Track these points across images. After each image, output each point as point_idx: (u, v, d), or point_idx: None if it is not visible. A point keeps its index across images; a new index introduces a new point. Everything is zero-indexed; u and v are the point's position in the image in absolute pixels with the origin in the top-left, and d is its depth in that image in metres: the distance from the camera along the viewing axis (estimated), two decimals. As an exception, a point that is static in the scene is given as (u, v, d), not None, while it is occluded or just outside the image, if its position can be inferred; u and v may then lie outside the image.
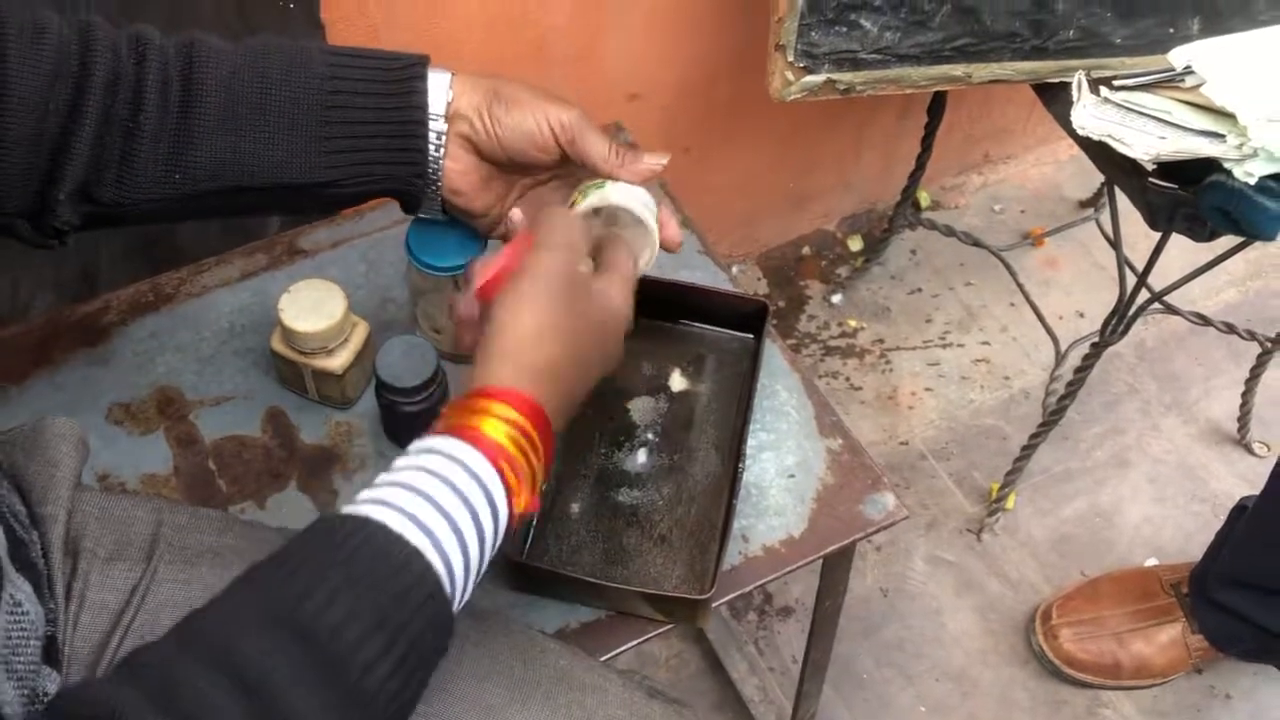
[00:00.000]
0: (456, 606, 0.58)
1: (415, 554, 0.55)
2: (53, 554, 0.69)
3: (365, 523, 0.56)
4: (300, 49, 0.72)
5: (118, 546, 0.71)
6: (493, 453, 0.60)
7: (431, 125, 0.73)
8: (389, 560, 0.55)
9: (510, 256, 0.69)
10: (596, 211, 0.76)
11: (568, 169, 0.78)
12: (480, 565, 0.60)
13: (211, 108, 0.69)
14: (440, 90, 0.72)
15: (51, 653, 0.65)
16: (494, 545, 0.61)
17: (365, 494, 0.58)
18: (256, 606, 0.53)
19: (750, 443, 0.90)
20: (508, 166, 0.76)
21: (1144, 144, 1.03)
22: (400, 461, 0.60)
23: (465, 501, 0.58)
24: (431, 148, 0.73)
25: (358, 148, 0.72)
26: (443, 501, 0.57)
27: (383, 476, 0.59)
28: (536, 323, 0.64)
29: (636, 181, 0.75)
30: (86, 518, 0.71)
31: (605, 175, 0.75)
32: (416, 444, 0.61)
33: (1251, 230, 1.03)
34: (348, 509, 0.57)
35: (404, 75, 0.72)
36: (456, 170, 0.75)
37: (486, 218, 0.78)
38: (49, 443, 0.72)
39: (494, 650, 0.70)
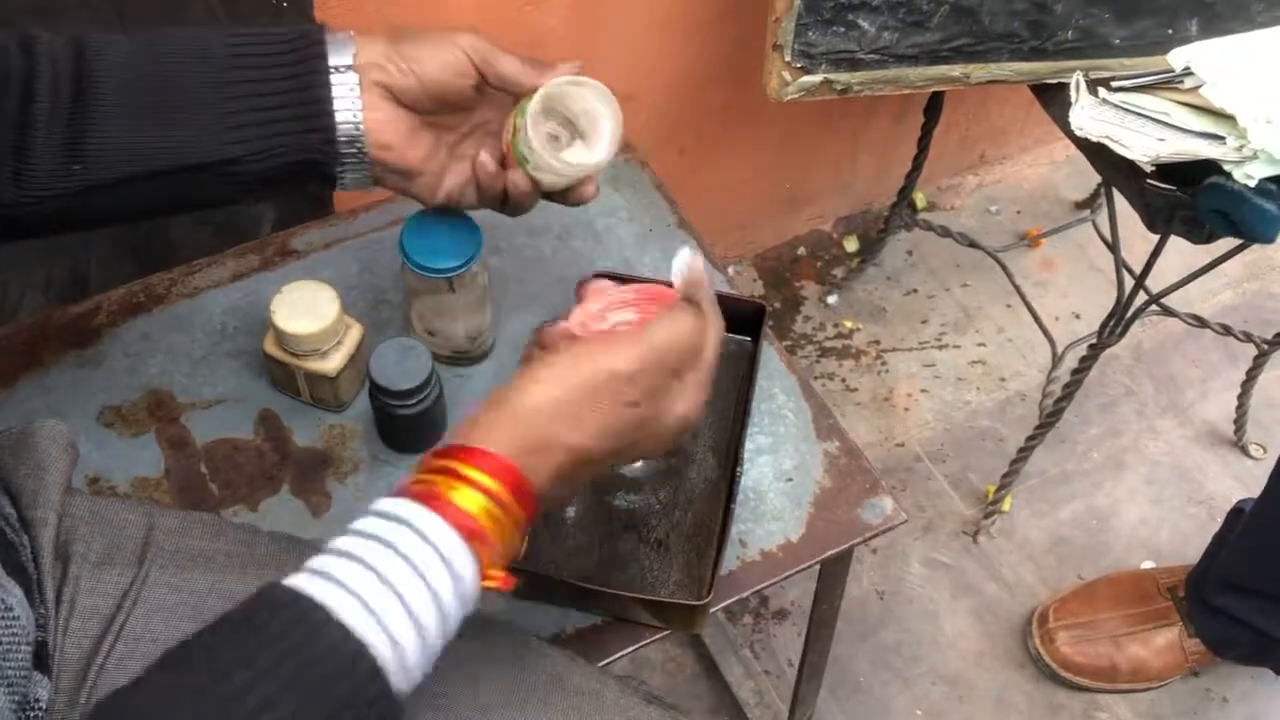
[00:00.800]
0: (410, 687, 0.55)
1: (361, 652, 0.51)
2: (43, 558, 0.68)
3: (312, 610, 0.52)
4: (197, 32, 0.70)
5: (108, 550, 0.70)
6: (465, 527, 0.56)
7: (338, 82, 0.70)
8: (335, 657, 0.51)
9: (641, 304, 0.71)
10: (547, 118, 0.75)
11: (486, 115, 0.77)
12: (441, 644, 0.56)
13: (106, 92, 0.66)
14: (342, 46, 0.70)
15: (42, 658, 0.64)
16: (459, 620, 0.57)
17: (322, 561, 0.54)
18: (188, 707, 0.49)
19: (748, 446, 0.89)
20: (431, 110, 0.74)
21: (1143, 145, 1.03)
22: (364, 525, 0.56)
23: (428, 586, 0.54)
24: (343, 109, 0.70)
25: (261, 120, 0.69)
26: (402, 587, 0.53)
27: (343, 541, 0.55)
28: (572, 406, 0.61)
29: (557, 79, 0.74)
30: (77, 521, 0.71)
31: (528, 87, 0.73)
32: (385, 505, 0.56)
33: (1250, 233, 1.03)
34: (300, 582, 0.53)
35: (304, 42, 0.70)
36: (379, 120, 0.72)
37: (424, 177, 0.75)
38: (38, 446, 0.71)
39: (490, 654, 0.70)
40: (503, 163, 0.76)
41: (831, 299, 1.70)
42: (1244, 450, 1.58)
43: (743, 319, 0.95)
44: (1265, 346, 1.45)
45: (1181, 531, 1.51)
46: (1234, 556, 1.29)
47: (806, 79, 1.12)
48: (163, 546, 0.71)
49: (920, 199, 1.79)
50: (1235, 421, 1.57)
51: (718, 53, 1.38)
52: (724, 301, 0.95)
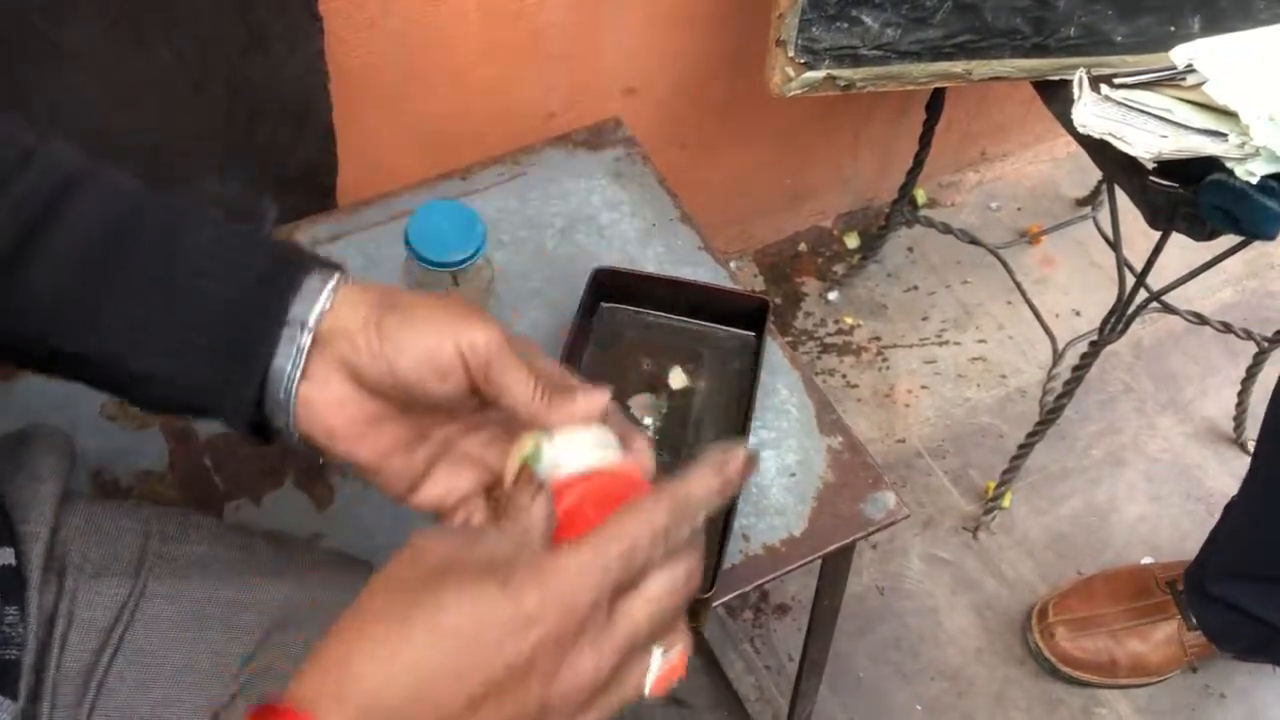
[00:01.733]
0: None
1: None
2: (31, 572, 0.66)
3: None
4: (190, 214, 0.58)
5: (105, 561, 0.68)
6: None
7: (287, 339, 0.55)
8: None
9: (595, 498, 0.52)
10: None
11: (498, 409, 0.57)
12: None
13: (59, 236, 0.55)
14: (312, 295, 0.55)
15: (9, 678, 0.62)
16: None
17: None
18: None
19: (751, 440, 0.90)
20: (406, 403, 0.57)
21: (1145, 142, 1.03)
22: None
23: None
24: (280, 375, 0.55)
25: (192, 352, 0.55)
26: None
27: None
28: (434, 685, 0.44)
29: (573, 425, 0.55)
30: (73, 532, 0.69)
31: (527, 420, 0.55)
32: None
33: (1252, 229, 1.03)
34: None
35: (276, 270, 0.56)
36: (329, 402, 0.56)
37: (384, 476, 0.57)
38: (34, 455, 0.69)
39: None
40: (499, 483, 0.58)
41: (832, 295, 1.70)
42: (1243, 447, 1.58)
43: (746, 314, 0.95)
44: (1265, 344, 1.45)
45: (1180, 528, 1.51)
46: (1233, 542, 1.29)
47: (810, 75, 1.12)
48: (160, 554, 0.70)
49: (921, 195, 1.79)
50: (1235, 419, 1.57)
51: (719, 47, 1.38)
52: (727, 296, 0.96)
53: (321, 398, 0.55)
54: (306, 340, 0.55)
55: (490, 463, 0.59)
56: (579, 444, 0.54)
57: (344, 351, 0.55)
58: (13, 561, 0.65)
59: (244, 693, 0.67)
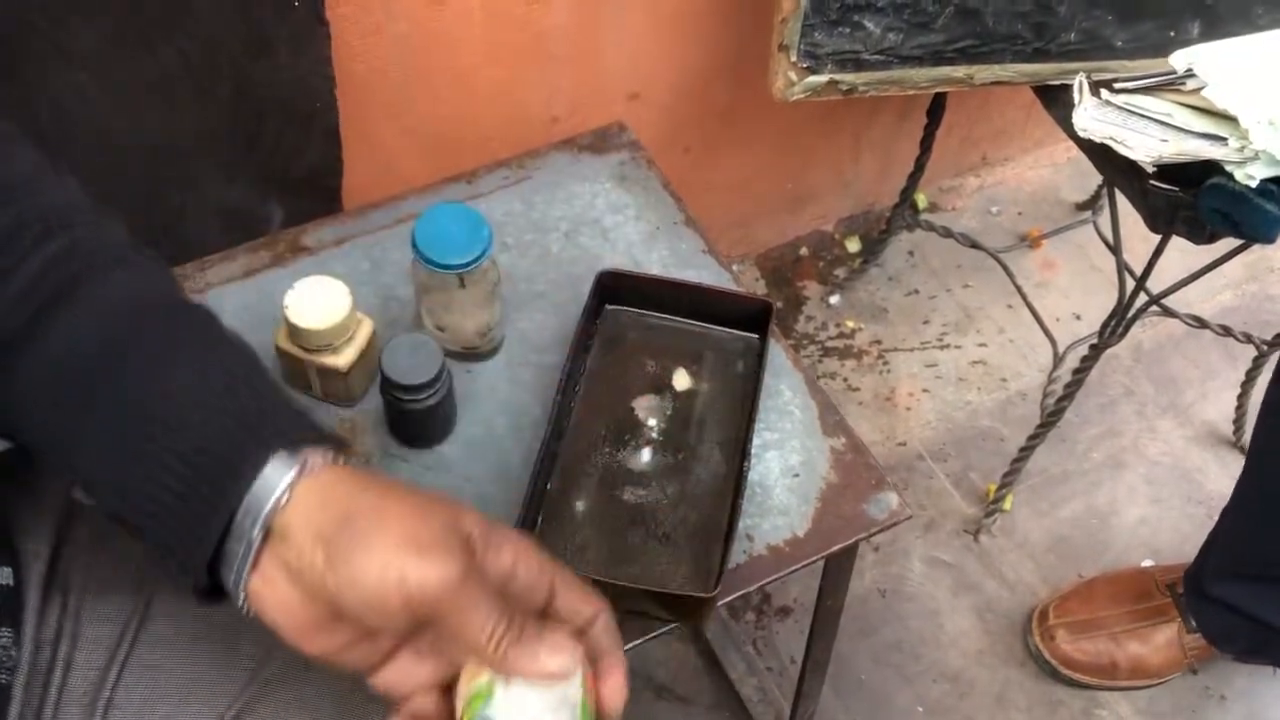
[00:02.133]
0: None
1: None
2: (29, 593, 0.65)
3: None
4: (183, 342, 0.56)
5: (108, 579, 0.67)
6: None
7: (236, 528, 0.52)
8: None
9: None
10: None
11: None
12: None
13: (56, 344, 0.54)
14: (270, 487, 0.51)
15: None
16: None
17: None
18: None
19: (755, 441, 0.90)
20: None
21: (1145, 146, 1.04)
22: None
23: None
24: (229, 562, 0.53)
25: (147, 494, 0.52)
26: None
27: None
28: None
29: (535, 680, 0.51)
30: (77, 549, 0.68)
31: (485, 665, 0.52)
32: None
33: (1251, 233, 1.04)
34: None
35: (244, 441, 0.52)
36: (275, 602, 0.52)
37: (344, 662, 0.54)
38: (36, 471, 0.68)
39: None
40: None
41: (833, 299, 1.71)
42: (1243, 450, 1.58)
43: (749, 316, 0.96)
44: (1265, 348, 1.46)
45: (1181, 531, 1.52)
46: (1226, 543, 1.30)
47: (812, 79, 1.13)
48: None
49: (922, 200, 1.80)
50: (1234, 422, 1.58)
51: (722, 51, 1.39)
52: (731, 298, 0.97)
53: (270, 595, 0.52)
54: (258, 536, 0.51)
55: (454, 658, 0.54)
56: (531, 707, 0.50)
57: (290, 559, 0.51)
58: (10, 581, 0.64)
59: (251, 706, 0.67)
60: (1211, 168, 1.02)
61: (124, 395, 0.53)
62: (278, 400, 0.55)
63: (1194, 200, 1.04)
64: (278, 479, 0.51)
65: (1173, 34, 1.18)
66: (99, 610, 0.67)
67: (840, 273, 1.74)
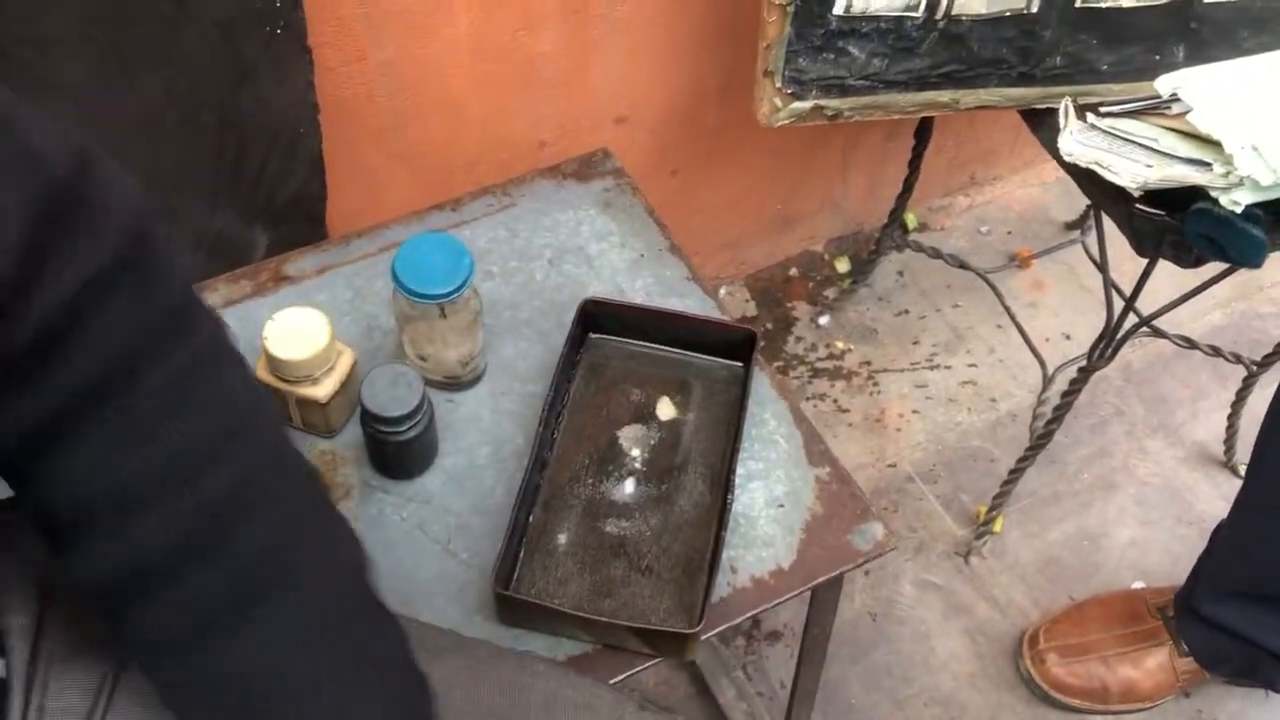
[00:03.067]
0: None
1: None
2: (14, 680, 0.60)
3: None
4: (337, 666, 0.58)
5: (81, 639, 0.63)
6: None
7: None
8: None
9: None
10: None
11: None
12: None
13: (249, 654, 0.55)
14: None
15: None
16: None
17: None
18: None
19: (739, 472, 0.90)
20: None
21: (1131, 171, 1.04)
22: None
23: None
24: None
25: None
26: None
27: None
28: None
29: None
30: (55, 618, 0.63)
31: None
32: None
33: (1237, 258, 1.03)
34: None
35: None
36: None
37: None
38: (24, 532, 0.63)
39: (486, 674, 0.70)
40: None
41: (823, 320, 1.71)
42: (1234, 471, 1.58)
43: (733, 345, 0.96)
44: (1254, 368, 1.46)
45: (1171, 552, 1.51)
46: (1218, 562, 1.30)
47: (797, 105, 1.13)
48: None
49: (911, 220, 1.80)
50: (1225, 442, 1.58)
51: (710, 75, 1.39)
52: (715, 327, 0.96)
53: None
54: None
55: None
56: None
57: None
58: (2, 673, 0.60)
59: None
60: (1197, 192, 1.02)
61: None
62: None
63: (1180, 225, 1.04)
64: None
65: (1158, 58, 1.18)
66: (64, 680, 0.61)
67: (830, 293, 1.74)
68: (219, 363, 0.57)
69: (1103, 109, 1.08)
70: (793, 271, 1.76)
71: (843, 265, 1.77)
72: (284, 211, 1.14)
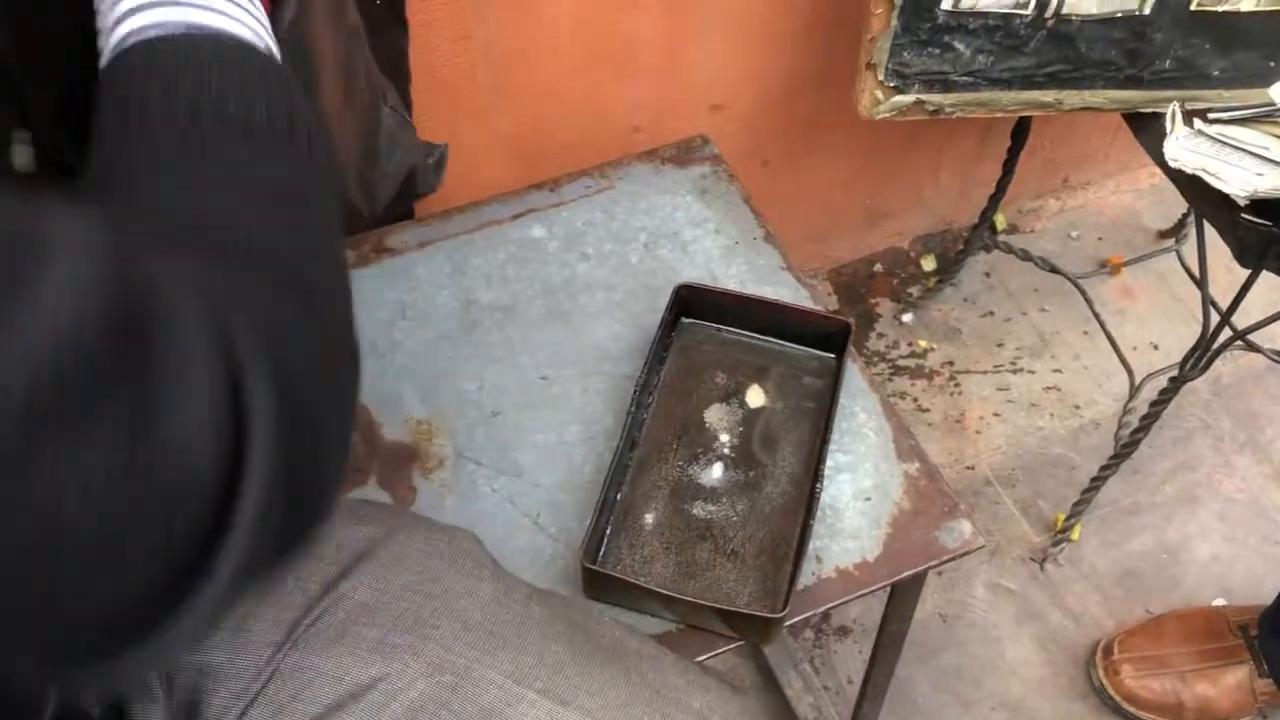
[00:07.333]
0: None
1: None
2: None
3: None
4: None
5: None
6: None
7: None
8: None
9: None
10: None
11: None
12: None
13: None
14: None
15: None
16: None
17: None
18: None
19: (828, 463, 0.90)
20: None
21: (1239, 179, 1.02)
22: None
23: None
24: None
25: None
26: None
27: None
28: None
29: None
30: None
31: None
32: None
33: (1347, 272, 1.01)
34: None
35: None
36: None
37: None
38: None
39: (557, 614, 0.72)
40: None
41: (906, 317, 1.69)
42: (1323, 491, 1.55)
43: (826, 336, 0.96)
44: (1351, 387, 1.42)
45: (1256, 571, 1.48)
46: None
47: (899, 99, 1.12)
48: None
49: (1001, 220, 1.78)
50: (1315, 461, 1.54)
51: (806, 65, 1.38)
52: (809, 317, 0.96)
53: None
54: None
55: None
56: None
57: None
58: None
59: (323, 617, 0.68)
60: (1308, 204, 1.00)
61: None
62: None
63: (1288, 236, 1.02)
64: None
65: (1272, 64, 1.15)
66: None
67: (914, 291, 1.73)
68: None
69: (1211, 115, 1.06)
70: (877, 267, 1.75)
71: (929, 263, 1.75)
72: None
